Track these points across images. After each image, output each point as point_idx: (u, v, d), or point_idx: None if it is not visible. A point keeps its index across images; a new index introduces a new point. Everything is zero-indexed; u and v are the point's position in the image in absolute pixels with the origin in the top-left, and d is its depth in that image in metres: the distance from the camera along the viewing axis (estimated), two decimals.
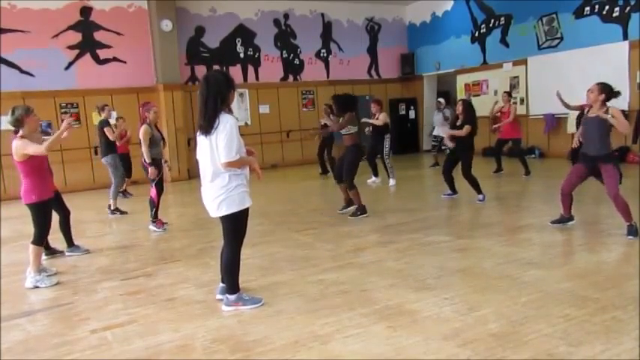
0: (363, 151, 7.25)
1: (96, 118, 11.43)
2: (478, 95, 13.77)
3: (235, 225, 3.69)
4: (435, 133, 11.99)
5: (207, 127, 3.50)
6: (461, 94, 14.06)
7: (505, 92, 10.57)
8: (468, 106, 7.54)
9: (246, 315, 3.66)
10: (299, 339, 3.20)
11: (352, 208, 7.00)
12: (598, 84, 5.17)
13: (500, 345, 2.94)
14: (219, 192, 3.58)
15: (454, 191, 7.95)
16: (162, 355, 3.13)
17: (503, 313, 3.39)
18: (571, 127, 11.39)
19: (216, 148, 3.49)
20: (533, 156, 12.08)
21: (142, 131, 6.59)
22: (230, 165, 3.51)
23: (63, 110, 11.29)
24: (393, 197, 8.61)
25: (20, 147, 4.52)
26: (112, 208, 8.21)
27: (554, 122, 11.76)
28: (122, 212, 8.23)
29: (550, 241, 5.12)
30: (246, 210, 3.69)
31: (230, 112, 3.59)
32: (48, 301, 4.25)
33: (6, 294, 4.46)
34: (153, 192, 6.70)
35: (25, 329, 3.67)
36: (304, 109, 14.47)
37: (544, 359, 2.76)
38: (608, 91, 5.11)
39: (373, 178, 10.03)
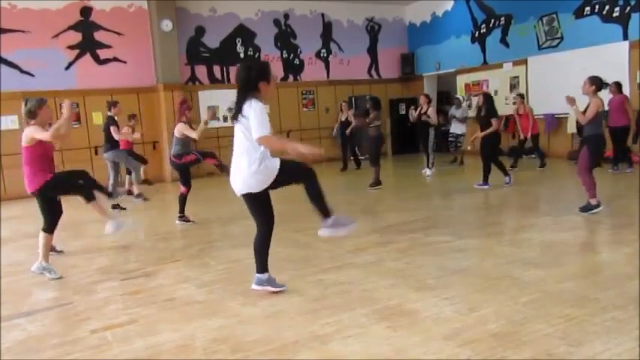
0: (383, 139, 9.53)
1: (97, 118, 11.48)
2: (478, 95, 13.75)
3: (256, 205, 3.82)
4: (451, 130, 12.25)
5: (236, 114, 3.67)
6: (461, 94, 14.07)
7: (518, 94, 10.98)
8: (488, 98, 8.59)
9: (246, 315, 3.66)
10: (299, 339, 3.19)
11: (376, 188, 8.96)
12: (588, 77, 6.06)
13: (500, 345, 2.93)
14: (244, 172, 3.69)
15: (486, 182, 8.46)
16: (163, 355, 3.13)
17: (503, 313, 3.39)
18: (571, 127, 11.40)
19: (246, 130, 3.62)
20: (533, 156, 12.06)
21: (183, 127, 6.66)
22: (265, 141, 3.58)
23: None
24: (394, 197, 8.61)
25: (31, 131, 4.62)
26: (136, 193, 8.30)
27: (555, 122, 11.76)
28: (121, 208, 8.26)
29: (550, 241, 5.12)
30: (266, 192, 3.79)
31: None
32: (48, 301, 4.25)
33: (6, 294, 4.45)
34: (183, 189, 6.80)
35: (25, 329, 3.67)
36: (304, 109, 14.47)
37: (544, 359, 2.76)
38: (598, 83, 6.01)
39: (426, 169, 10.64)
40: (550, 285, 3.85)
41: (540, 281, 3.94)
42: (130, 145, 9.69)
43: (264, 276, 3.98)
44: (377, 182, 9.06)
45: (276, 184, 3.78)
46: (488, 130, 8.31)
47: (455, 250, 5.04)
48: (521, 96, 10.79)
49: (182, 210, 6.93)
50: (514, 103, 11.35)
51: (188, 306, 3.91)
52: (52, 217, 4.84)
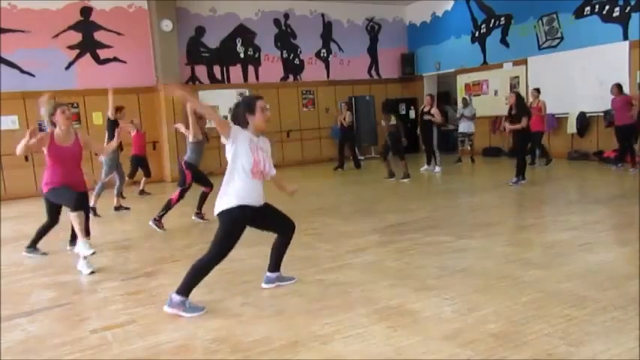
0: (400, 134, 9.85)
1: (97, 118, 11.47)
2: (478, 95, 13.77)
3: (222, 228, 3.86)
4: (460, 130, 12.38)
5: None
6: (461, 94, 14.08)
7: (534, 89, 10.84)
8: (519, 98, 8.73)
9: (246, 315, 3.66)
10: (299, 339, 3.19)
11: (405, 180, 9.71)
12: None
13: (500, 345, 2.94)
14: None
15: (523, 177, 8.71)
16: (162, 355, 3.13)
17: (503, 313, 3.39)
18: (571, 127, 11.40)
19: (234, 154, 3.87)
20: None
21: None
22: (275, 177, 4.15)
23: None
24: (394, 197, 8.60)
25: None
26: (116, 205, 8.27)
27: (554, 122, 11.75)
28: (125, 208, 8.28)
29: (550, 241, 5.12)
30: (233, 214, 3.76)
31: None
32: (48, 301, 4.24)
33: (6, 294, 4.46)
34: (175, 195, 6.73)
35: (25, 329, 3.67)
36: (304, 109, 14.47)
37: (544, 359, 2.76)
38: None
39: (426, 166, 11.10)
40: (550, 285, 3.85)
41: (540, 281, 3.94)
42: (142, 152, 9.65)
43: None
44: (407, 175, 9.75)
45: (257, 224, 3.96)
46: (518, 126, 8.50)
47: (455, 250, 5.04)
48: (537, 90, 10.67)
49: (200, 206, 7.04)
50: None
51: None
52: (70, 201, 4.88)
